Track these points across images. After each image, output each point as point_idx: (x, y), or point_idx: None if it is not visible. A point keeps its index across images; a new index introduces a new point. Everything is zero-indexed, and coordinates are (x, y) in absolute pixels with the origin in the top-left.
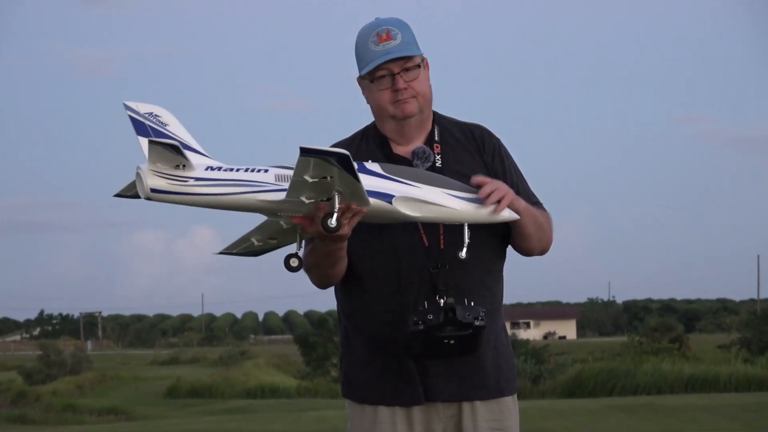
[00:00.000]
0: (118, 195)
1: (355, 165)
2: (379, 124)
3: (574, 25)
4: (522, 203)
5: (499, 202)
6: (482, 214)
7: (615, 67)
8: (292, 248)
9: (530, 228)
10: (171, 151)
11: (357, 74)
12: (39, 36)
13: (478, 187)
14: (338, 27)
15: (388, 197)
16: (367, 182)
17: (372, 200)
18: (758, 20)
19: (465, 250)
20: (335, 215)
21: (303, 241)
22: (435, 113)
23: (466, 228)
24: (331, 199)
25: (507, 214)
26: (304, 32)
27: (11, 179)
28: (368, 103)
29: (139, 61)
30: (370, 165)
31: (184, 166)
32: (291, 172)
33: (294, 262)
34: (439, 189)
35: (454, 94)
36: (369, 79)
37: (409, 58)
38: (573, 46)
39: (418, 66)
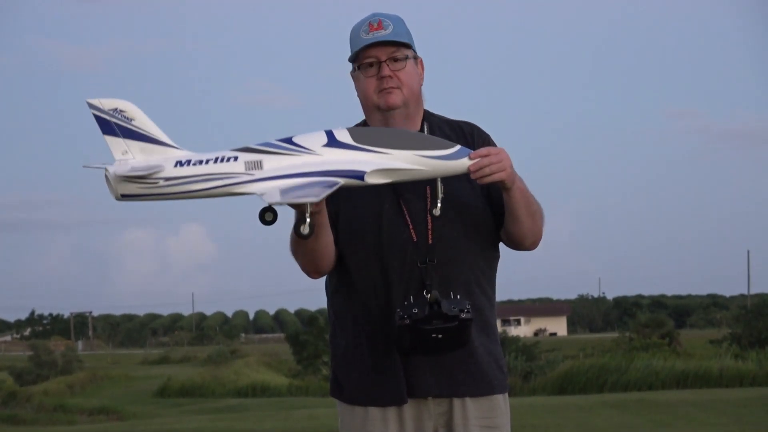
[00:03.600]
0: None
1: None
2: (367, 116)
3: (568, 21)
4: (518, 181)
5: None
6: (455, 168)
7: (607, 62)
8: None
9: (522, 210)
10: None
11: (348, 70)
12: (27, 33)
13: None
14: (327, 22)
15: (359, 174)
16: (339, 157)
17: (344, 180)
18: (751, 15)
19: (439, 205)
20: (308, 221)
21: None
22: (425, 111)
23: (438, 182)
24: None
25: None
26: (292, 27)
27: (0, 178)
28: (358, 95)
29: (127, 58)
30: (340, 134)
31: (151, 172)
32: (261, 157)
33: (269, 216)
34: (410, 152)
35: (446, 90)
36: (356, 66)
37: (397, 48)
38: (566, 40)
39: (407, 57)
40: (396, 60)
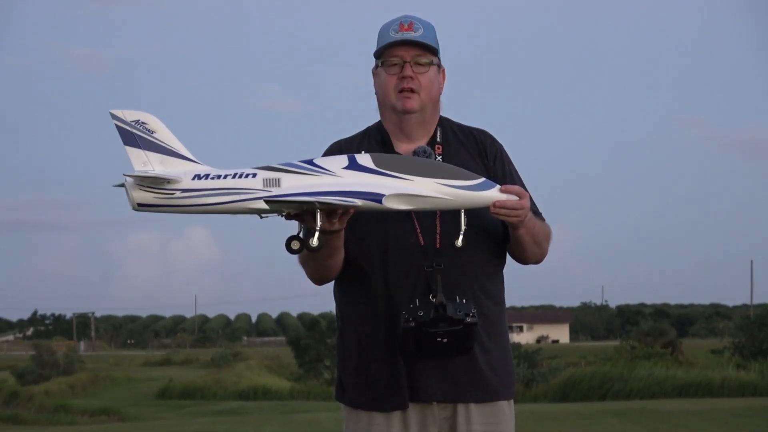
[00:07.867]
0: None
1: (319, 201)
2: (381, 115)
3: (574, 27)
4: (529, 219)
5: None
6: (477, 200)
7: (614, 70)
8: (294, 229)
9: (527, 243)
10: (150, 179)
11: (355, 74)
12: (36, 34)
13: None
14: (339, 27)
15: (378, 197)
16: (358, 179)
17: (362, 201)
18: (759, 23)
19: (461, 237)
20: (317, 234)
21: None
22: (440, 117)
23: (462, 214)
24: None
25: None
26: (302, 32)
27: (5, 178)
28: (375, 92)
29: (135, 61)
30: (362, 159)
31: (168, 180)
32: (280, 175)
33: (295, 245)
34: (432, 180)
35: (453, 96)
36: (380, 62)
37: (423, 51)
38: (572, 47)
39: (431, 63)
40: (420, 64)
